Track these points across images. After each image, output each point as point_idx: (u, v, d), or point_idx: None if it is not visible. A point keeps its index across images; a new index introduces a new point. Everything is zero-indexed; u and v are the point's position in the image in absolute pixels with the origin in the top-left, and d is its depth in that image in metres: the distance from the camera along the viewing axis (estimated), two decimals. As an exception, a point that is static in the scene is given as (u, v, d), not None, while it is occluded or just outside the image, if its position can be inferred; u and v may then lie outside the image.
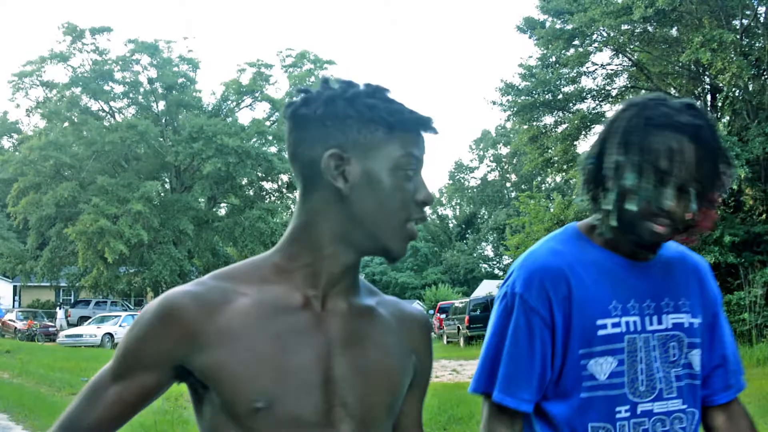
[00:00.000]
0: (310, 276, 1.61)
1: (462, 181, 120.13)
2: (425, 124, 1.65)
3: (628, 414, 2.06)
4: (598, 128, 29.32)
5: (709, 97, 28.75)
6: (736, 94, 26.85)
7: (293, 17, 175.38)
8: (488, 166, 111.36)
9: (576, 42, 28.10)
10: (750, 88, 26.25)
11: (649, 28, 27.40)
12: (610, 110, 30.44)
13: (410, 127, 1.62)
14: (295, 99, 1.63)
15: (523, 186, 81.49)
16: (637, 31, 27.75)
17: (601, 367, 2.07)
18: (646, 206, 2.02)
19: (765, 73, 26.16)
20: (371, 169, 1.60)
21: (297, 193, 1.66)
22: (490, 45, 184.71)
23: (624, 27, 26.53)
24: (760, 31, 25.65)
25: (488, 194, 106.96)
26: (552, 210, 29.64)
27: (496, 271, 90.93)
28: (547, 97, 29.29)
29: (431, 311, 55.47)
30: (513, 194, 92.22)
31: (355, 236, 1.61)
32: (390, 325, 1.74)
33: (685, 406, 2.12)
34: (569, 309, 2.08)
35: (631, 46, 28.95)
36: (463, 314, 40.14)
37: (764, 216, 25.73)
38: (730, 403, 2.26)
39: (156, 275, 50.09)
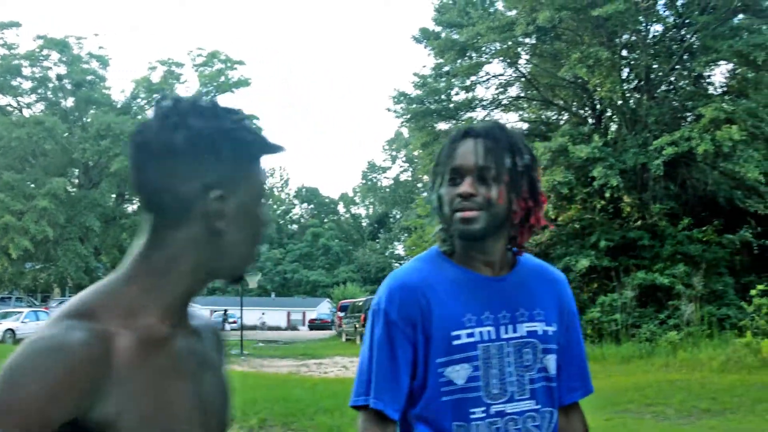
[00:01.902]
0: (170, 307, 1.53)
1: (375, 181, 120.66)
2: (279, 150, 1.64)
3: (483, 414, 2.22)
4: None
5: (591, 110, 30.20)
6: (613, 108, 28.30)
7: (206, 17, 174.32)
8: (401, 166, 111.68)
9: (471, 53, 29.14)
10: (629, 102, 27.67)
11: (535, 43, 28.60)
12: (501, 118, 31.62)
13: (269, 154, 1.62)
14: (152, 120, 1.53)
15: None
16: (525, 44, 28.92)
17: (458, 374, 2.23)
18: (449, 201, 2.26)
19: (643, 88, 27.57)
20: (244, 203, 1.56)
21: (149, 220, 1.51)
22: (405, 48, 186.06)
23: (510, 42, 27.60)
24: (641, 47, 26.99)
25: (400, 194, 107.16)
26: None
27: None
28: (438, 105, 30.28)
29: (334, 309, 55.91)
30: (425, 195, 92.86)
31: (219, 267, 1.58)
32: (209, 340, 1.71)
33: (538, 407, 2.29)
34: (428, 322, 2.25)
35: (521, 60, 30.18)
36: (360, 312, 40.99)
37: (639, 222, 26.85)
38: (573, 405, 2.48)
39: (62, 271, 49.92)
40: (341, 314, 48.10)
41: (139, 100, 56.83)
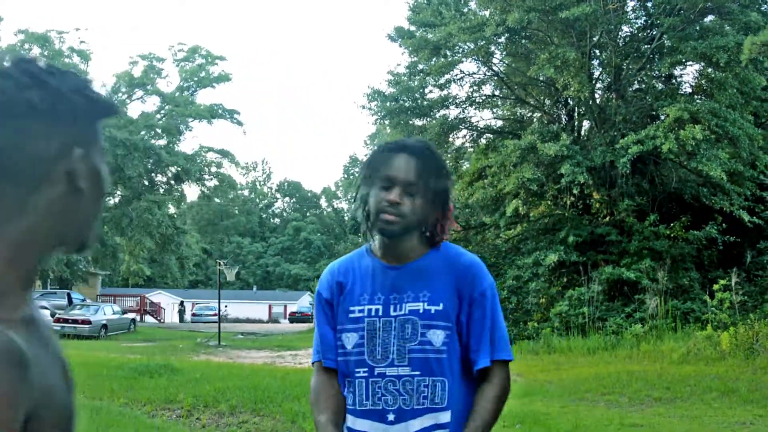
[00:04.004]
0: (28, 282, 1.44)
1: (356, 175, 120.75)
2: (120, 113, 1.61)
3: (366, 374, 2.75)
4: (463, 132, 30.87)
5: (563, 108, 30.75)
6: (583, 107, 28.85)
7: (187, 12, 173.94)
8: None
9: (445, 52, 29.63)
10: (598, 101, 28.22)
11: (507, 42, 29.08)
12: (475, 116, 32.15)
13: (112, 116, 1.56)
14: (2, 83, 1.40)
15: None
16: (498, 43, 29.39)
17: (348, 340, 2.80)
18: (376, 205, 2.72)
19: (613, 87, 28.13)
20: (95, 165, 1.50)
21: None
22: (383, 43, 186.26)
23: (482, 42, 28.07)
24: (611, 48, 27.52)
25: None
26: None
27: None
28: (412, 103, 30.76)
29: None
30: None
31: (69, 233, 1.50)
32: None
33: (416, 373, 2.72)
34: (339, 299, 2.86)
35: (494, 58, 30.67)
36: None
37: (607, 218, 27.42)
38: (486, 369, 2.76)
39: (43, 264, 50.13)
40: (320, 308, 48.47)
41: (120, 94, 56.84)
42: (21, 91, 1.39)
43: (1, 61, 1.45)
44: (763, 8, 26.78)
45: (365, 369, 2.76)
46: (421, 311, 2.74)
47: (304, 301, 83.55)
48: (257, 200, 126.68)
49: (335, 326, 2.86)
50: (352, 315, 2.80)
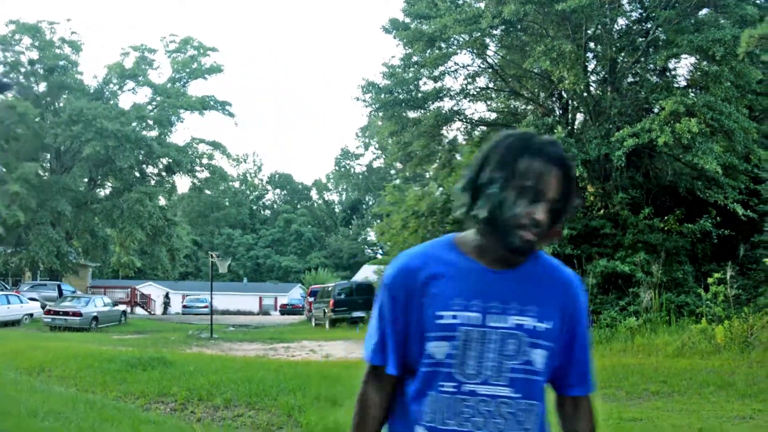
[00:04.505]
0: None
1: (348, 167, 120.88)
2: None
3: (453, 389, 2.39)
4: (457, 124, 30.80)
5: (558, 101, 30.67)
6: (578, 99, 28.80)
7: (178, 3, 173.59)
8: (374, 153, 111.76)
9: (439, 44, 29.54)
10: (594, 94, 28.17)
11: (503, 34, 29.02)
12: (469, 108, 32.05)
13: None
14: None
15: (408, 174, 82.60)
16: (493, 35, 29.33)
17: (438, 350, 2.41)
18: (518, 218, 2.37)
19: (608, 80, 28.07)
20: None
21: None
22: (377, 36, 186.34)
23: (477, 34, 28.00)
24: (606, 40, 27.47)
25: (373, 181, 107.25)
26: (407, 201, 30.79)
27: (379, 256, 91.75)
28: (406, 95, 30.67)
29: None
30: (398, 182, 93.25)
31: None
32: None
33: (517, 395, 2.40)
34: (421, 300, 2.44)
35: (489, 50, 30.60)
36: (330, 298, 41.43)
37: (602, 212, 27.31)
38: (577, 398, 2.59)
39: (33, 256, 50.00)
40: (311, 299, 48.49)
41: (111, 85, 56.77)
42: None
43: None
44: (758, 1, 26.71)
45: (453, 384, 2.40)
46: (528, 327, 2.44)
47: (295, 294, 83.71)
48: (248, 192, 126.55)
49: (406, 330, 2.49)
50: (441, 321, 2.42)
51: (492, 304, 2.41)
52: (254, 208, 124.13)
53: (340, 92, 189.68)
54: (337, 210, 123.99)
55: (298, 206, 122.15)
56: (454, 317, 2.40)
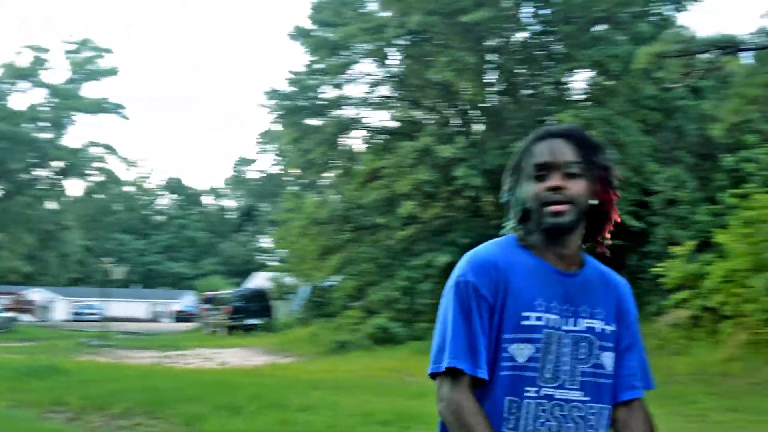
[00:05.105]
0: None
1: (244, 173, 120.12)
2: None
3: (535, 394, 2.30)
4: (358, 132, 30.90)
5: (457, 111, 30.99)
6: (478, 110, 29.21)
7: (78, 5, 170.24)
8: (272, 159, 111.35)
9: (342, 51, 29.58)
10: (493, 105, 28.61)
11: (406, 44, 29.20)
12: (370, 116, 32.14)
13: None
14: None
15: (306, 181, 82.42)
16: (396, 45, 29.49)
17: (521, 352, 2.30)
18: (538, 197, 2.35)
19: (508, 92, 28.54)
20: None
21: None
22: (282, 44, 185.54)
23: (380, 43, 28.15)
24: (506, 52, 27.94)
25: (269, 188, 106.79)
26: (306, 208, 30.65)
27: (273, 264, 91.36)
28: (309, 102, 30.59)
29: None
30: (295, 188, 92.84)
31: None
32: None
33: (587, 399, 2.37)
34: (504, 299, 2.33)
35: (391, 60, 30.74)
36: (226, 305, 41.07)
37: (499, 221, 27.66)
38: (633, 401, 2.50)
39: None
40: (206, 306, 48.02)
41: (4, 85, 55.37)
42: None
43: None
44: (651, 19, 27.50)
45: (535, 389, 2.32)
46: (598, 330, 2.42)
47: (188, 300, 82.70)
48: (141, 197, 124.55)
49: (491, 332, 2.34)
50: (526, 322, 2.33)
51: (566, 306, 2.39)
52: (147, 213, 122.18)
53: (240, 98, 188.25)
54: (231, 216, 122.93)
55: (192, 212, 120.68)
56: (539, 318, 2.34)
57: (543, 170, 2.36)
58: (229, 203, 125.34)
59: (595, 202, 2.39)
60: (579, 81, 29.40)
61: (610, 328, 2.43)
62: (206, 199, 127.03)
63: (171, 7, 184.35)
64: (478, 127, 30.16)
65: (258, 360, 24.71)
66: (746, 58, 22.08)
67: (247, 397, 12.49)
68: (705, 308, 17.79)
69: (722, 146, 25.22)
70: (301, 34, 30.80)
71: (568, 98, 28.75)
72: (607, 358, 2.41)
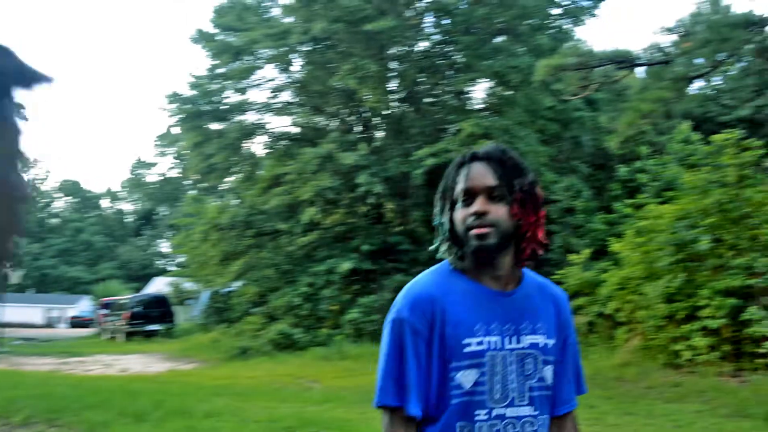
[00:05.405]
0: None
1: (142, 176, 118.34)
2: (45, 80, 1.29)
3: (486, 417, 2.36)
4: (260, 138, 30.86)
5: (359, 118, 31.22)
6: (380, 118, 29.51)
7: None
8: (172, 163, 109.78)
9: (245, 57, 29.59)
10: (395, 113, 28.94)
11: (309, 50, 29.32)
12: (272, 122, 32.18)
13: (32, 86, 1.28)
14: None
15: (207, 185, 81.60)
16: (299, 51, 29.58)
17: (467, 378, 2.35)
18: (463, 222, 2.42)
19: (409, 100, 28.91)
20: None
21: None
22: (181, 47, 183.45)
23: (284, 49, 28.23)
24: (409, 61, 28.30)
25: (168, 191, 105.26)
26: (207, 213, 30.39)
27: (172, 269, 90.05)
28: (211, 107, 30.47)
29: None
30: (195, 193, 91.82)
31: None
32: None
33: (536, 413, 2.43)
34: (443, 330, 2.37)
35: (293, 66, 30.82)
36: (125, 311, 40.52)
37: (400, 228, 28.03)
38: (565, 416, 2.60)
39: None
40: (104, 312, 47.26)
41: None
42: None
43: None
44: (550, 32, 28.21)
45: (485, 411, 2.38)
46: (541, 345, 2.48)
47: (85, 306, 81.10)
48: (36, 199, 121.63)
49: (431, 365, 2.40)
50: (468, 349, 2.38)
51: (507, 326, 2.43)
52: (41, 216, 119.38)
53: (139, 100, 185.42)
54: (128, 220, 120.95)
55: (88, 215, 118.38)
56: (480, 343, 2.38)
57: (467, 195, 2.44)
58: (127, 207, 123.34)
59: (518, 224, 2.43)
60: (479, 91, 30.00)
61: (551, 342, 2.49)
62: (104, 203, 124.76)
63: (73, 4, 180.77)
64: (381, 135, 30.48)
65: (160, 366, 24.47)
66: (640, 73, 22.89)
67: (151, 404, 12.35)
68: (601, 315, 18.17)
69: (617, 157, 26.01)
70: (203, 37, 30.64)
71: (468, 107, 29.27)
72: (549, 372, 2.48)
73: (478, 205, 2.40)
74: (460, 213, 2.44)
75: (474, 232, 2.39)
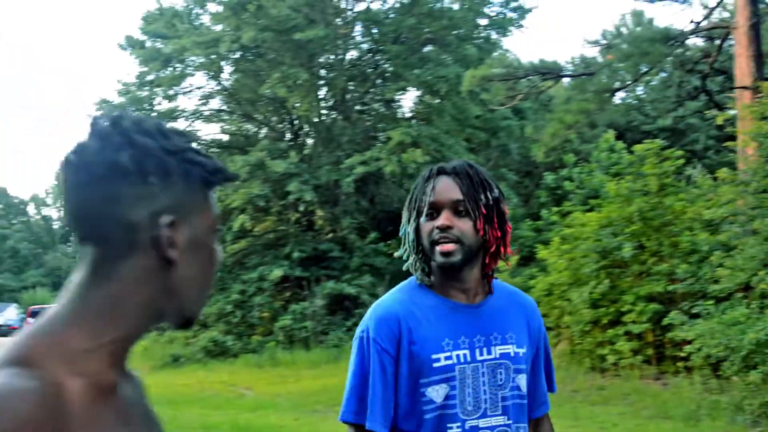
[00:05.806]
0: (116, 351, 1.36)
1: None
2: (235, 179, 1.51)
3: (459, 429, 2.39)
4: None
5: (289, 126, 31.35)
6: (310, 126, 29.68)
7: None
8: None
9: (175, 64, 29.50)
10: (325, 121, 29.13)
11: (239, 58, 29.36)
12: (202, 129, 32.11)
13: (222, 183, 1.45)
14: (90, 139, 1.35)
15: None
16: (229, 59, 29.58)
17: (437, 393, 2.39)
18: (428, 237, 2.45)
19: (339, 108, 29.14)
20: (196, 235, 1.39)
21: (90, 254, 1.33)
22: (111, 53, 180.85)
23: (213, 57, 28.23)
24: (338, 70, 28.52)
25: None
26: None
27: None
28: (141, 114, 30.31)
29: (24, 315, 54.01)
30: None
31: (168, 306, 1.41)
32: (138, 385, 1.52)
33: (510, 422, 2.46)
34: (411, 347, 2.41)
35: (223, 73, 30.81)
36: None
37: (331, 235, 28.15)
38: (541, 419, 2.69)
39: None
40: (31, 320, 46.63)
41: None
42: (107, 151, 1.32)
43: (94, 118, 1.37)
44: (477, 42, 28.66)
45: (458, 424, 2.42)
46: (512, 354, 2.51)
47: (11, 314, 79.59)
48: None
49: (398, 382, 2.45)
50: (437, 364, 2.42)
51: (476, 338, 2.46)
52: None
53: (68, 104, 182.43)
54: (56, 226, 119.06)
55: (14, 221, 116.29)
56: (448, 357, 2.41)
57: (432, 209, 2.46)
58: (54, 213, 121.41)
59: (482, 238, 2.46)
60: (408, 100, 30.38)
61: (522, 350, 2.53)
62: (30, 209, 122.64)
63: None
64: (311, 143, 30.62)
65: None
66: (565, 84, 23.44)
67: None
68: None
69: (543, 165, 26.52)
70: (131, 44, 30.47)
71: (398, 116, 29.60)
72: (522, 380, 2.51)
73: (443, 219, 2.43)
74: (426, 226, 2.47)
75: (439, 248, 2.43)
